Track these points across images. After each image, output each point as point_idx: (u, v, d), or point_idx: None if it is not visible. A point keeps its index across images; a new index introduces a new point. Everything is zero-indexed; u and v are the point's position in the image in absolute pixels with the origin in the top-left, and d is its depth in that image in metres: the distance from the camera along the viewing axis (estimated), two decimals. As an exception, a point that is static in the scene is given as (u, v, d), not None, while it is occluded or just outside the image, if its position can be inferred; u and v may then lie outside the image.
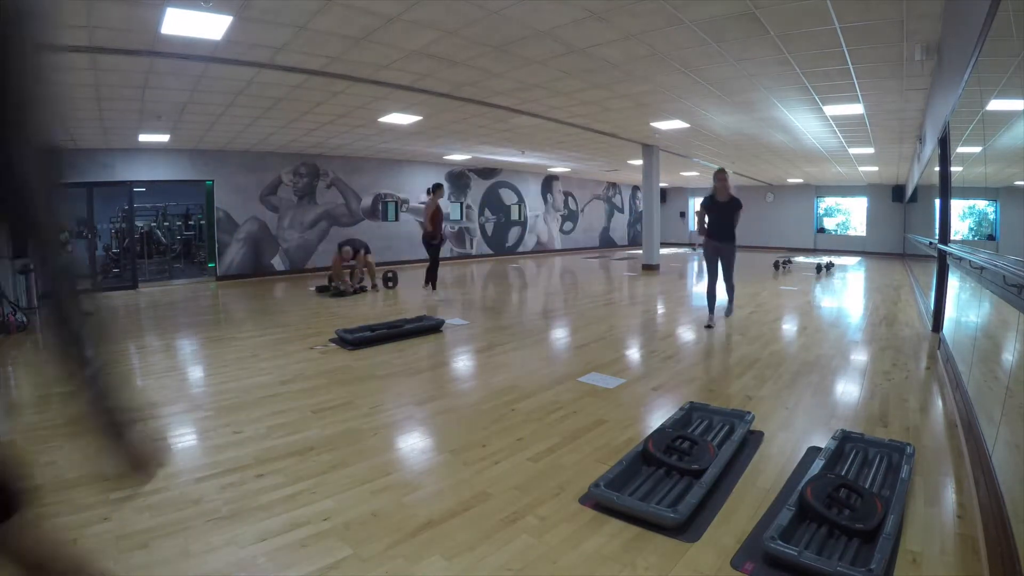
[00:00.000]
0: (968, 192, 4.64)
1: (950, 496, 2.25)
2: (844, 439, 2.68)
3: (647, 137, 10.42)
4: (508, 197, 16.85)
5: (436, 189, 7.73)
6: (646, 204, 12.31)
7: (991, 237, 4.51)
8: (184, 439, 2.94)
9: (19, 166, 0.68)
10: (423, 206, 14.44)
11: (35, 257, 0.74)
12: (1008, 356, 2.49)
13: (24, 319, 6.10)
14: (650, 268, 12.09)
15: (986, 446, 2.31)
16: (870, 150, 10.57)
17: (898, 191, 16.62)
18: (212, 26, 4.20)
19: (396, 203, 13.84)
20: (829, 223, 19.60)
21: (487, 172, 16.05)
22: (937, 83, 4.98)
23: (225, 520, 2.08)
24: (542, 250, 18.08)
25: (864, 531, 1.91)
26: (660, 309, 7.31)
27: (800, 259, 15.16)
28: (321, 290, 8.76)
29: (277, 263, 11.77)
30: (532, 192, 17.53)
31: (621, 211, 21.82)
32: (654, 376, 4.07)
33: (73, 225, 9.39)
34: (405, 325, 5.57)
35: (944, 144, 4.94)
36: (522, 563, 1.82)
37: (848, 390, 3.69)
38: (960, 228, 5.07)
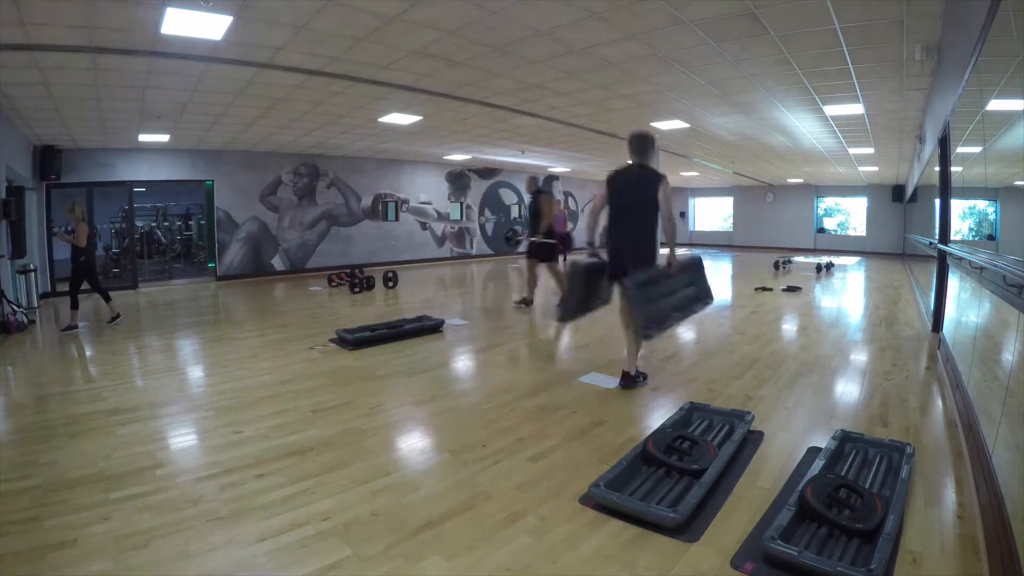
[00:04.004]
0: (968, 192, 4.64)
1: (950, 496, 2.25)
2: (844, 439, 2.67)
3: (647, 137, 10.40)
4: (508, 197, 16.86)
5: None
6: (646, 204, 12.28)
7: (991, 237, 4.52)
8: (184, 439, 2.94)
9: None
10: (424, 206, 14.42)
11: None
12: (1008, 356, 2.49)
13: (24, 319, 6.09)
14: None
15: (986, 446, 2.31)
16: (870, 150, 10.56)
17: (898, 191, 16.61)
18: (212, 26, 4.20)
19: (396, 203, 13.83)
20: (829, 223, 19.59)
21: (487, 172, 16.04)
22: (937, 83, 4.98)
23: (225, 520, 2.08)
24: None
25: (864, 531, 1.91)
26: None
27: (800, 259, 15.15)
28: None
29: (277, 263, 11.78)
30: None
31: (621, 211, 21.80)
32: (654, 376, 4.07)
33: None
34: (405, 325, 5.57)
35: (944, 144, 4.94)
36: (522, 563, 1.82)
37: (848, 390, 3.69)
38: (960, 228, 5.07)
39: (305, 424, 3.11)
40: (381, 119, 8.19)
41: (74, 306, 6.01)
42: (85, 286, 6.06)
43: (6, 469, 2.51)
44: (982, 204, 4.83)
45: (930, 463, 2.53)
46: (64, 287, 6.53)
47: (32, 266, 7.39)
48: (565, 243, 8.11)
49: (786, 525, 1.91)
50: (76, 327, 5.93)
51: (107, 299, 6.30)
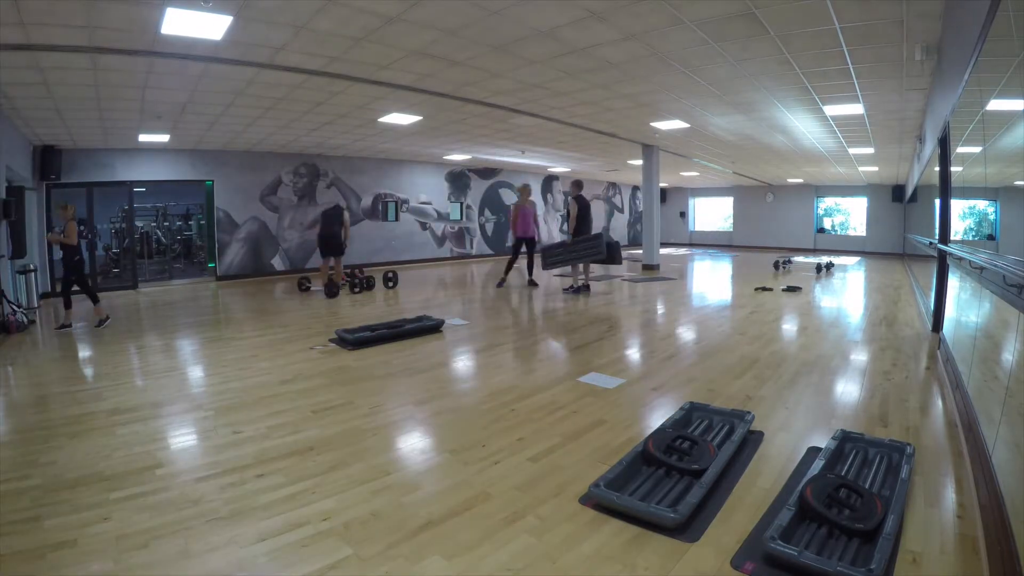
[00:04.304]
0: (968, 192, 4.63)
1: (950, 496, 2.25)
2: (844, 439, 2.68)
3: (647, 137, 10.42)
4: (508, 197, 16.85)
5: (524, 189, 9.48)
6: (646, 204, 12.31)
7: (991, 237, 4.51)
8: (184, 439, 2.94)
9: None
10: (424, 206, 14.47)
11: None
12: (1008, 356, 2.49)
13: (24, 319, 6.09)
14: (650, 268, 12.09)
15: (986, 446, 2.31)
16: (870, 150, 10.56)
17: (898, 191, 16.61)
18: (212, 26, 4.20)
19: (396, 203, 13.84)
20: (829, 223, 19.60)
21: (487, 172, 16.04)
22: (937, 83, 4.98)
23: (225, 520, 2.08)
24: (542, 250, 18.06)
25: (864, 531, 1.91)
26: (660, 309, 7.31)
27: (800, 259, 15.16)
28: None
29: (277, 263, 11.78)
30: (532, 192, 17.51)
31: (621, 211, 21.81)
32: (654, 376, 4.07)
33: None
34: (405, 325, 5.57)
35: (944, 144, 4.94)
36: (522, 563, 1.82)
37: (848, 390, 3.69)
38: (960, 228, 5.06)
39: (305, 424, 3.11)
40: (381, 119, 8.19)
41: (67, 305, 6.05)
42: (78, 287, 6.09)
43: (6, 469, 2.51)
44: (982, 204, 4.82)
45: (930, 463, 2.54)
46: None
47: (32, 266, 7.39)
48: (524, 245, 9.17)
49: (786, 525, 1.91)
50: (69, 325, 5.99)
51: (69, 305, 6.08)
